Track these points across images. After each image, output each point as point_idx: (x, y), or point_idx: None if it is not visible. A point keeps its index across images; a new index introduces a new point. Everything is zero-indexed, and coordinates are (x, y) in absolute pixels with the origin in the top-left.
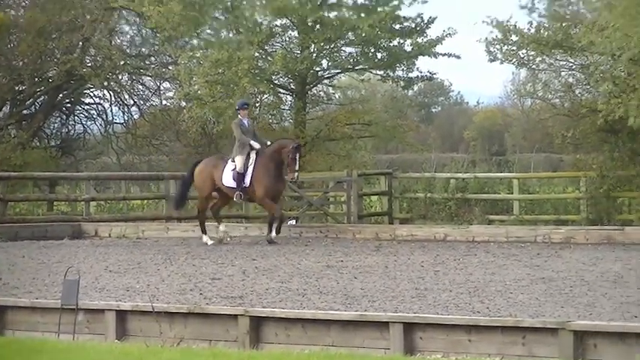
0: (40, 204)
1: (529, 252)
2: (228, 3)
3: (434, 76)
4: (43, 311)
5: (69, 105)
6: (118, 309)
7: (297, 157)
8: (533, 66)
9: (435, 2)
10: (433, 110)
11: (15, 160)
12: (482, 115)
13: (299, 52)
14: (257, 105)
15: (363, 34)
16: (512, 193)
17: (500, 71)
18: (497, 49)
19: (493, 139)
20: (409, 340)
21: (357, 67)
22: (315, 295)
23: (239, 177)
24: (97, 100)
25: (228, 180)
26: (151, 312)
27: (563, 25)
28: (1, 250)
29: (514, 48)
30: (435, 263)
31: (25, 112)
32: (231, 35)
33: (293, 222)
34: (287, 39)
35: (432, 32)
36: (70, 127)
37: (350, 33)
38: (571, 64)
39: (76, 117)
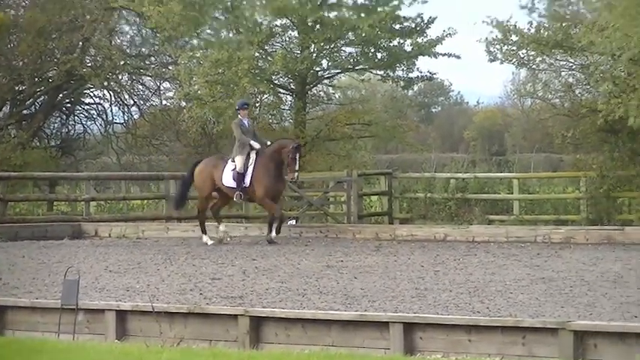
0: (40, 204)
1: (529, 252)
2: (228, 3)
3: (434, 76)
4: (43, 311)
5: (69, 105)
6: (118, 309)
7: (297, 157)
8: (534, 66)
9: (435, 2)
10: (433, 110)
11: (15, 160)
12: (482, 115)
13: (299, 52)
14: (257, 105)
15: (363, 34)
16: (512, 193)
17: (500, 71)
18: (497, 49)
19: (493, 139)
20: (409, 340)
21: (357, 67)
22: (315, 295)
23: (239, 177)
24: (97, 100)
25: (228, 180)
26: (151, 312)
27: (563, 25)
28: (1, 250)
29: (514, 48)
30: (435, 263)
31: (25, 112)
32: (231, 35)
33: (293, 222)
34: (287, 39)
35: (432, 32)
36: (70, 127)
37: (350, 33)
38: (571, 64)
39: (76, 117)
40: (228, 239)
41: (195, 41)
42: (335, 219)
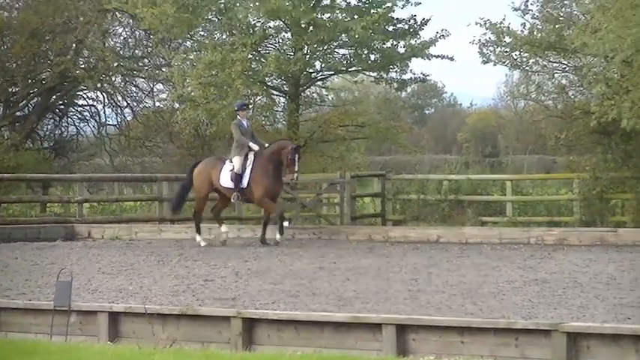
0: (33, 205)
1: (522, 254)
2: (222, 5)
3: (427, 77)
4: (36, 313)
5: (62, 107)
6: (110, 310)
7: (297, 158)
8: (527, 68)
9: (428, 4)
10: (426, 112)
11: (8, 161)
12: (476, 117)
13: (292, 53)
14: (250, 107)
15: (357, 36)
16: (505, 195)
17: (494, 73)
18: (491, 51)
19: (486, 140)
20: (402, 341)
21: (350, 69)
22: (308, 297)
23: (236, 177)
24: (91, 101)
25: (225, 180)
26: (144, 314)
27: (557, 26)
28: None
29: (507, 50)
30: (428, 265)
31: (18, 113)
32: (224, 37)
33: (286, 224)
34: (280, 41)
35: (426, 34)
36: (63, 129)
37: (343, 35)
38: (564, 66)
39: (69, 119)
40: (225, 239)
41: (188, 43)
42: (328, 221)
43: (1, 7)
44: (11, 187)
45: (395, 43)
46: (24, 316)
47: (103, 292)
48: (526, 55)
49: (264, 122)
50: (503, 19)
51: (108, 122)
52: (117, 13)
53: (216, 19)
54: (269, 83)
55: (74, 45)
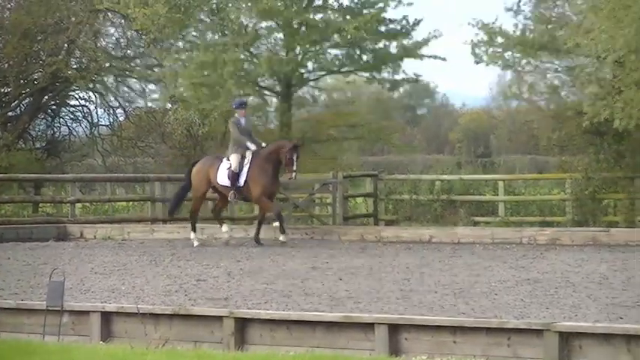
0: (25, 206)
1: (514, 253)
2: (214, 5)
3: (419, 78)
4: (29, 313)
5: (54, 107)
6: (103, 310)
7: (295, 158)
8: (519, 68)
9: (420, 4)
10: (419, 112)
11: (0, 162)
12: (468, 117)
13: (284, 54)
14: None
15: (349, 37)
16: (497, 195)
17: (486, 73)
18: (483, 52)
19: (479, 140)
20: (394, 341)
21: (342, 69)
22: (301, 297)
23: (234, 176)
24: (83, 102)
25: (223, 179)
26: (136, 313)
27: (549, 27)
28: None
29: (500, 50)
30: (421, 265)
31: (10, 114)
32: (216, 37)
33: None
34: (272, 41)
35: (418, 34)
36: (55, 129)
37: (335, 35)
38: (557, 67)
39: (61, 119)
40: (218, 237)
41: (180, 43)
42: (321, 221)
43: None
44: (3, 188)
45: (387, 43)
46: (16, 316)
47: (95, 292)
48: (518, 55)
49: (256, 122)
50: (496, 20)
51: (100, 122)
52: (109, 13)
53: (209, 20)
54: (261, 84)
55: (66, 45)
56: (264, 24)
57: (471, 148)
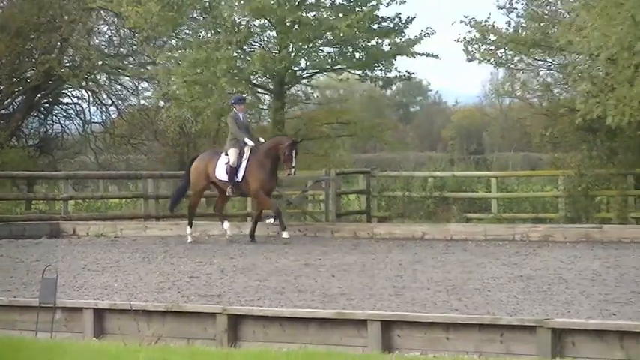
0: (18, 203)
1: (507, 250)
2: (207, 3)
3: (412, 75)
4: (22, 309)
5: (47, 105)
6: (96, 307)
7: (294, 154)
8: (512, 65)
9: (413, 2)
10: (412, 110)
11: None
12: (461, 115)
13: (277, 52)
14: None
15: (342, 34)
16: (490, 192)
17: (479, 71)
18: (476, 49)
19: (471, 138)
20: (387, 337)
21: (335, 67)
22: (294, 294)
23: (231, 171)
24: (75, 99)
25: (221, 173)
26: (129, 310)
27: (542, 24)
28: None
29: (492, 48)
30: (414, 261)
31: (3, 111)
32: (209, 35)
33: (272, 220)
34: (265, 39)
35: (411, 32)
36: (48, 127)
37: (328, 33)
38: (549, 64)
39: (54, 117)
40: (230, 233)
41: (173, 41)
42: (314, 217)
43: None
44: None
45: (380, 41)
46: (9, 313)
47: (88, 288)
48: (511, 53)
49: (249, 120)
50: (488, 18)
51: (93, 120)
52: (102, 11)
53: (201, 18)
54: (254, 81)
55: (59, 43)
56: (257, 22)
57: (463, 146)
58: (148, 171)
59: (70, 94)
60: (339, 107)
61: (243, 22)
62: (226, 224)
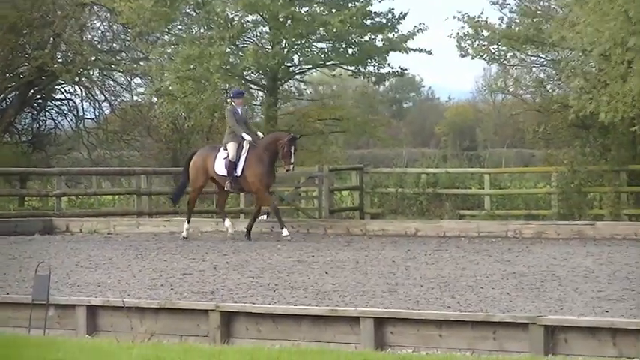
0: (11, 199)
1: (500, 247)
2: None
3: (405, 71)
4: (14, 306)
5: (40, 101)
6: (89, 304)
7: (293, 150)
8: (505, 61)
9: None
10: (405, 106)
11: None
12: (454, 111)
13: (270, 47)
14: (228, 101)
15: (334, 30)
16: (483, 189)
17: (472, 66)
18: (469, 45)
19: (464, 134)
20: (380, 334)
21: (328, 63)
22: (286, 290)
23: (230, 165)
24: (68, 95)
25: (220, 168)
26: (122, 307)
27: (534, 20)
28: None
29: (485, 43)
30: (406, 258)
31: None
32: (202, 31)
33: (264, 217)
34: (258, 34)
35: (404, 28)
36: (41, 123)
37: (321, 29)
38: (542, 60)
39: (47, 112)
40: (232, 231)
41: (166, 37)
42: (306, 214)
43: None
44: None
45: (373, 36)
46: (2, 310)
47: (81, 285)
48: (504, 48)
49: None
50: (482, 13)
51: (86, 116)
52: (94, 6)
53: (194, 13)
54: (247, 77)
55: (52, 39)
56: (249, 17)
57: (456, 142)
58: (140, 167)
59: (62, 89)
60: (332, 103)
61: (236, 18)
62: (227, 222)
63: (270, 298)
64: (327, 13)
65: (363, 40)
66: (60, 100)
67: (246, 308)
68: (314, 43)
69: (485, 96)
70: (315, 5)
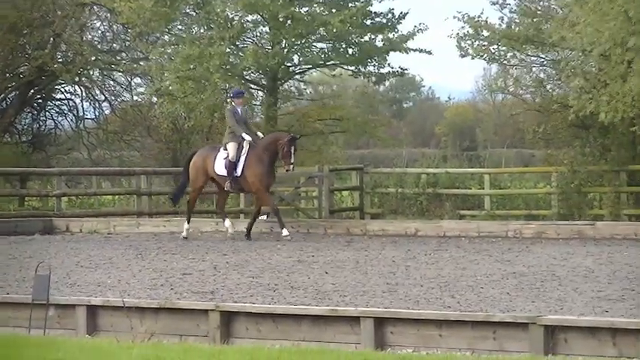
0: (11, 199)
1: (500, 247)
2: None
3: (405, 71)
4: (14, 306)
5: (40, 101)
6: (89, 304)
7: (293, 150)
8: (505, 61)
9: None
10: (405, 106)
11: None
12: (454, 111)
13: (270, 47)
14: (228, 101)
15: (334, 30)
16: (483, 189)
17: (472, 66)
18: (469, 45)
19: (464, 134)
20: (380, 334)
21: (328, 63)
22: (287, 290)
23: (230, 165)
24: (68, 95)
25: (220, 168)
26: (122, 307)
27: (534, 20)
28: None
29: (485, 43)
30: (406, 258)
31: None
32: (202, 31)
33: (264, 217)
34: (258, 34)
35: (404, 28)
36: (41, 123)
37: (321, 29)
38: (542, 60)
39: (47, 112)
40: (232, 231)
41: (166, 37)
42: (306, 214)
43: None
44: None
45: (373, 36)
46: (2, 310)
47: (81, 285)
48: (504, 48)
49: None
50: (482, 13)
51: (86, 116)
52: (95, 6)
53: (194, 13)
54: (247, 77)
55: (52, 39)
56: (249, 17)
57: (456, 142)
58: (140, 167)
59: (62, 89)
60: (332, 103)
61: (236, 18)
62: (227, 222)
63: (270, 298)
64: (327, 13)
65: (363, 40)
66: (60, 100)
67: (246, 308)
68: (314, 43)
69: (485, 96)
70: (315, 5)
